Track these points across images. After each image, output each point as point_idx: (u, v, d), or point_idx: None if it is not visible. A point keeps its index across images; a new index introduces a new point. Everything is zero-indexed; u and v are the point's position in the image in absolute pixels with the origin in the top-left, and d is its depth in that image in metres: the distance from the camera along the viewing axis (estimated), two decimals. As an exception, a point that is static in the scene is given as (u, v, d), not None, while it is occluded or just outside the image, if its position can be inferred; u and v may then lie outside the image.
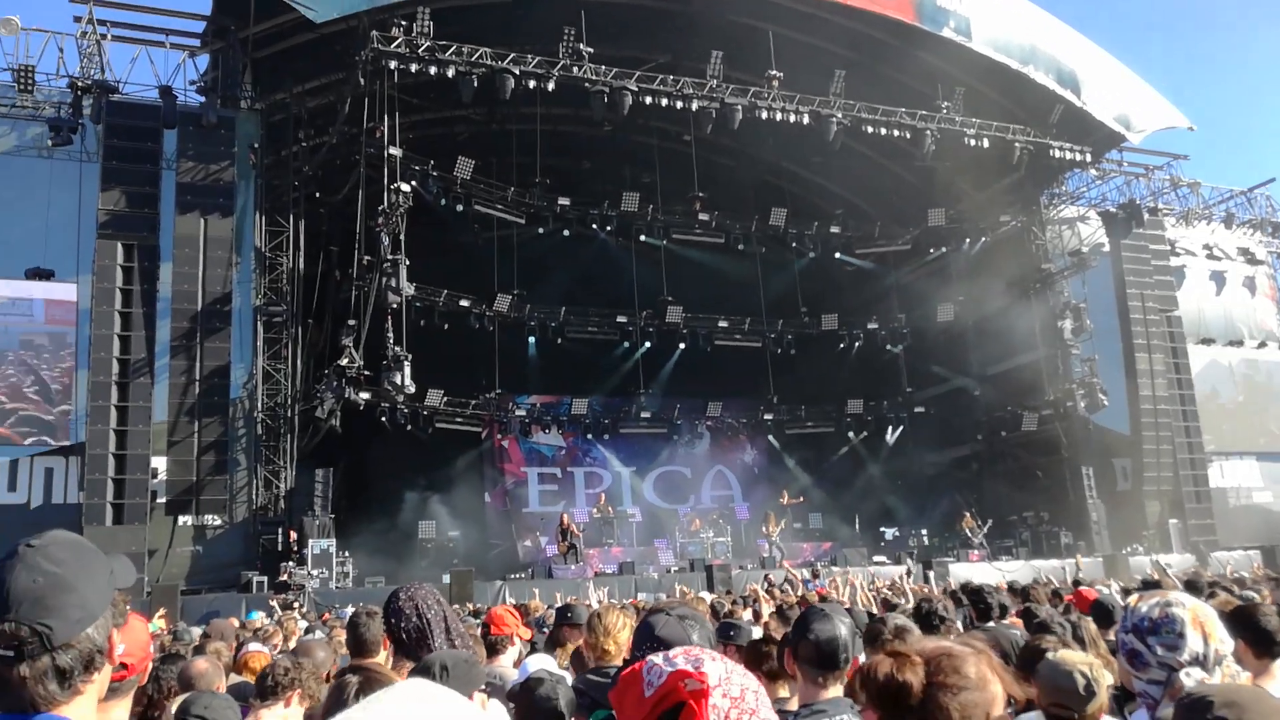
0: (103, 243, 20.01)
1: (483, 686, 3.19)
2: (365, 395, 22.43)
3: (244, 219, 22.28)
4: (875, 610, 7.77)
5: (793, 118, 23.66)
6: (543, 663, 4.45)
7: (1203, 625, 2.45)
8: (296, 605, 16.55)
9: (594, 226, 27.65)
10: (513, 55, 21.63)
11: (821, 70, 23.84)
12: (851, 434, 31.72)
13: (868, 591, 9.77)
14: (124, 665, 2.39)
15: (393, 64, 20.65)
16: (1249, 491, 29.82)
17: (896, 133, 24.73)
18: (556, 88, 22.08)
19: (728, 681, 1.43)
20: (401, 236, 21.23)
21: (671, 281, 28.50)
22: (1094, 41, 26.84)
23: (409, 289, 21.84)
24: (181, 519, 20.43)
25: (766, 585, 14.24)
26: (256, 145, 22.58)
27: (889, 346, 31.29)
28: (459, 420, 27.06)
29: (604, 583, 17.82)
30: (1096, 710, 3.03)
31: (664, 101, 22.89)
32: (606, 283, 28.49)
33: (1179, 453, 27.30)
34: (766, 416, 30.41)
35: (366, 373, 21.91)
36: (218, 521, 20.84)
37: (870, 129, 24.44)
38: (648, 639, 2.60)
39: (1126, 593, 8.07)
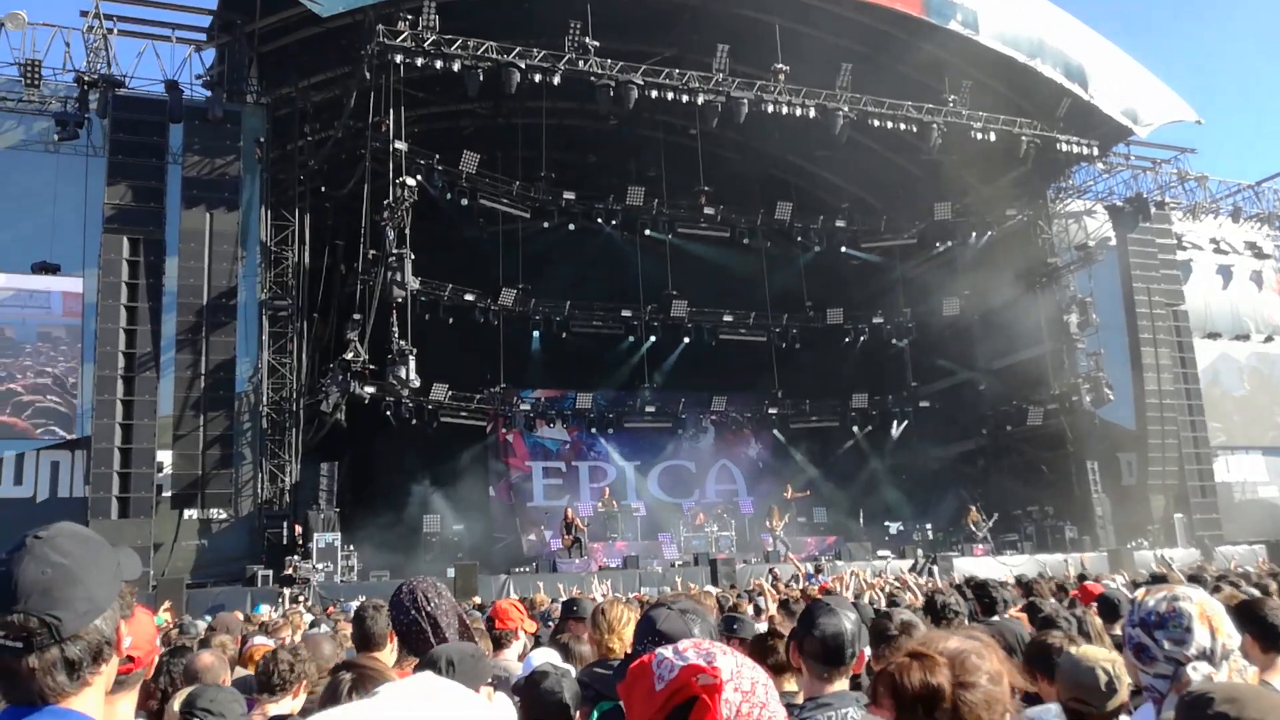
0: (109, 237, 20.08)
1: (489, 680, 3.20)
2: (370, 389, 22.46)
3: (249, 213, 22.31)
4: (882, 605, 7.76)
5: (799, 111, 23.61)
6: (547, 656, 4.45)
7: (1210, 620, 2.44)
8: (302, 599, 16.60)
9: (599, 220, 27.65)
10: (518, 49, 21.61)
11: (828, 64, 23.77)
12: (856, 428, 31.68)
13: (876, 587, 9.76)
14: (130, 658, 2.39)
15: (398, 58, 20.63)
16: (1254, 486, 29.77)
17: (903, 126, 24.66)
18: (562, 81, 22.04)
19: (739, 675, 1.43)
20: (407, 231, 21.24)
21: (676, 275, 28.48)
22: (1101, 34, 26.77)
23: (414, 283, 21.83)
24: (187, 512, 20.49)
25: (772, 579, 14.25)
26: (262, 139, 22.60)
27: (894, 341, 31.23)
28: (463, 414, 27.09)
29: (608, 577, 17.82)
30: (1117, 707, 3.03)
31: (670, 95, 22.85)
32: (611, 277, 28.49)
33: (1184, 447, 27.26)
34: (771, 411, 30.40)
35: (371, 367, 21.94)
36: (223, 515, 20.90)
37: (876, 122, 24.37)
38: (649, 633, 2.60)
39: (1134, 587, 8.07)
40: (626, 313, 29.09)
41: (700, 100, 23.02)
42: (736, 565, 20.77)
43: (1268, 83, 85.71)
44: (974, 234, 29.25)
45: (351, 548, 20.73)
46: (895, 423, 31.51)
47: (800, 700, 2.98)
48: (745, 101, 23.17)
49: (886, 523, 27.92)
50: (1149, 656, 2.46)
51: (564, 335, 28.52)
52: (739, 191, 28.87)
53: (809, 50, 23.68)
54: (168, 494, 20.17)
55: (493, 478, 28.85)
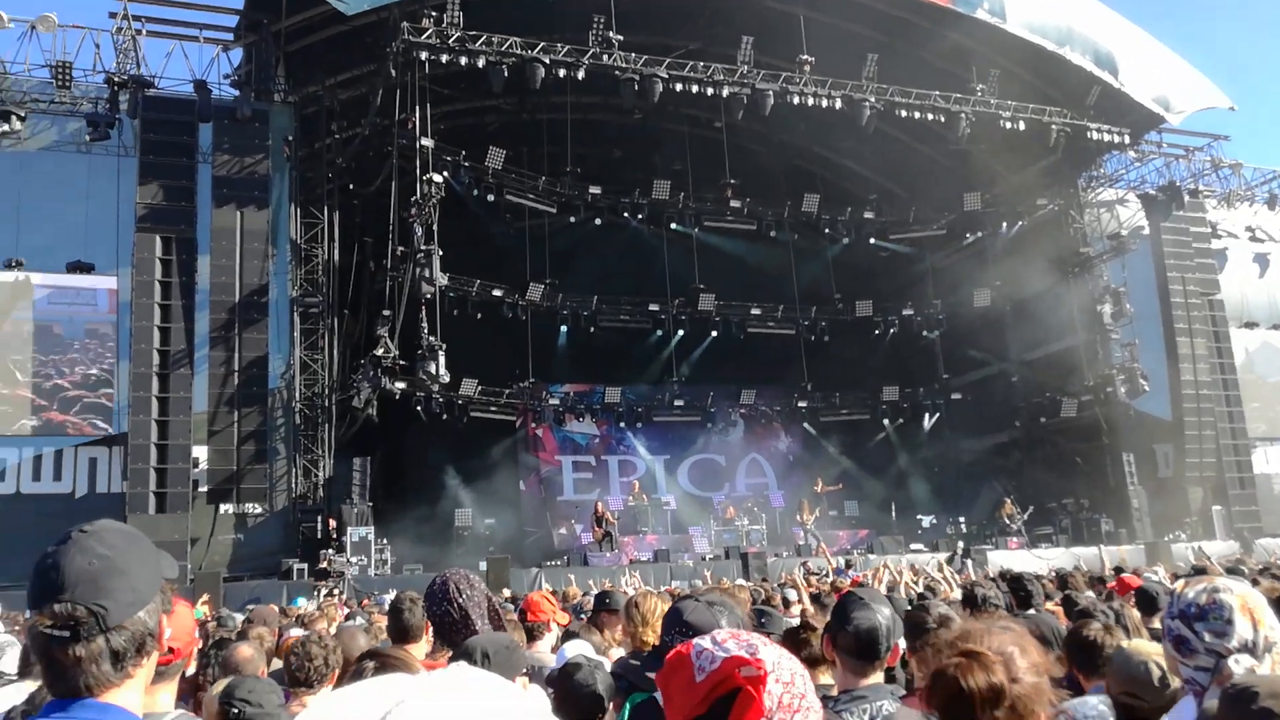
0: (141, 236, 20.33)
1: (524, 670, 3.21)
2: (401, 385, 22.61)
3: (279, 211, 22.52)
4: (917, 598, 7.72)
5: (825, 102, 23.47)
6: (580, 648, 4.47)
7: (1252, 612, 2.40)
8: (337, 592, 16.75)
9: (625, 215, 27.64)
10: (542, 44, 21.62)
11: (854, 54, 23.61)
12: (887, 421, 31.49)
13: (911, 581, 9.71)
14: (171, 650, 2.43)
15: (423, 55, 20.71)
16: (1295, 477, 29.31)
17: (930, 116, 24.45)
18: (586, 76, 22.04)
19: (779, 666, 1.44)
20: (434, 227, 21.33)
21: (703, 269, 28.42)
22: (1131, 20, 26.39)
23: (442, 279, 21.93)
24: (223, 507, 20.75)
25: (805, 573, 14.22)
26: (290, 138, 22.80)
27: (925, 332, 31.01)
28: (493, 409, 27.22)
29: (638, 570, 17.85)
30: (1169, 701, 3.00)
31: (694, 88, 22.78)
32: (638, 271, 28.47)
33: (1222, 438, 26.90)
34: (801, 404, 30.28)
35: (402, 362, 22.08)
36: (258, 510, 21.14)
37: (904, 113, 24.17)
38: (676, 624, 2.61)
39: (1174, 579, 7.98)
40: (654, 307, 29.07)
41: (725, 93, 22.93)
42: (768, 559, 20.72)
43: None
44: (1004, 224, 28.96)
45: (385, 541, 20.89)
46: (927, 415, 31.31)
47: (836, 692, 2.98)
48: (770, 93, 23.06)
49: (919, 516, 27.75)
50: (1189, 649, 2.43)
51: (591, 330, 28.53)
52: (765, 184, 28.76)
53: (834, 41, 23.52)
54: (204, 489, 20.43)
55: (523, 472, 28.95)
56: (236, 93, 22.45)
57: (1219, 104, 27.29)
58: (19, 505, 20.48)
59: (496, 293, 26.53)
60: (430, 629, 3.95)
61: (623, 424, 29.89)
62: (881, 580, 8.84)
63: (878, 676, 2.94)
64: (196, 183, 21.21)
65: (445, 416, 24.85)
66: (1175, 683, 2.99)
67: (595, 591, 8.70)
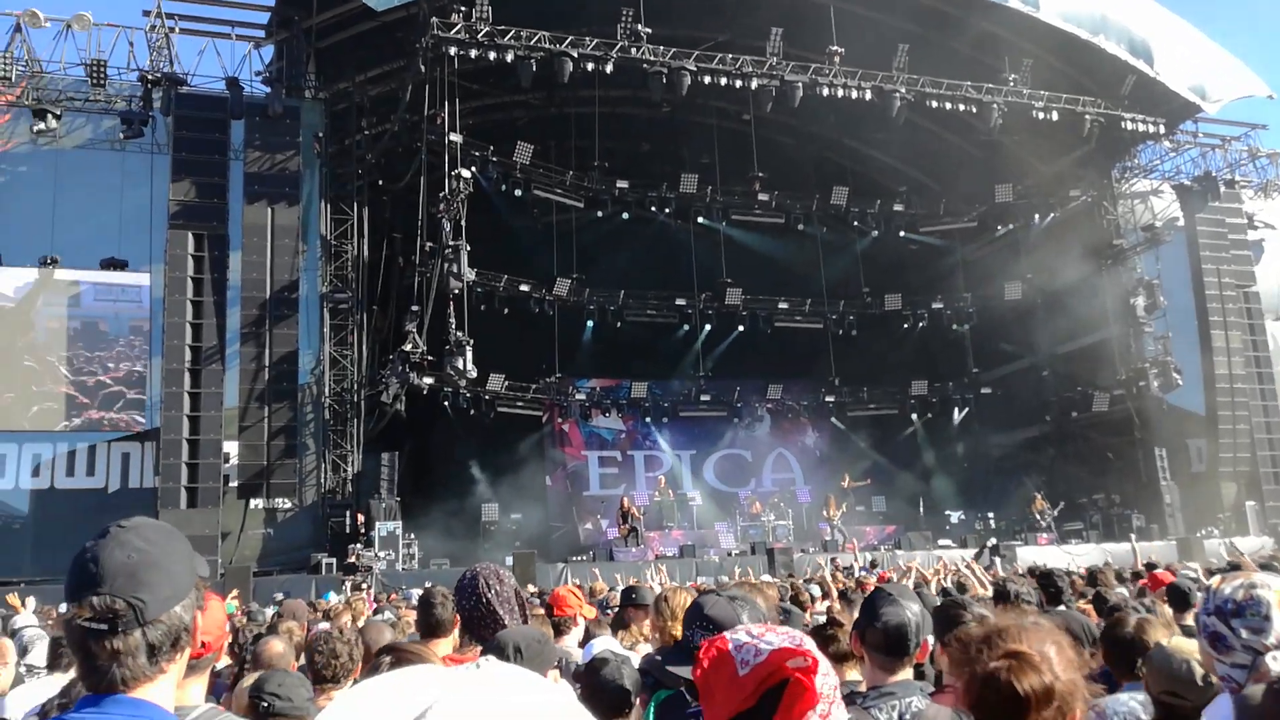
0: (174, 233, 20.55)
1: (555, 664, 3.21)
2: (429, 380, 22.74)
3: (309, 207, 22.70)
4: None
5: (855, 94, 23.30)
6: (607, 644, 4.47)
7: (1290, 608, 2.36)
8: (365, 586, 16.88)
9: (652, 209, 27.58)
10: (571, 38, 21.64)
11: (884, 44, 23.43)
12: (915, 416, 31.28)
13: (934, 580, 9.64)
14: (203, 644, 2.45)
15: (452, 50, 20.77)
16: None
17: (962, 107, 24.21)
18: (615, 69, 22.02)
19: (820, 658, 1.44)
20: (463, 222, 21.41)
21: (730, 263, 28.35)
22: (1167, 7, 26.00)
23: (470, 274, 22.01)
24: (253, 502, 20.95)
25: (833, 569, 14.15)
26: (321, 134, 22.96)
27: (954, 326, 30.72)
28: (520, 404, 27.31)
29: (664, 565, 17.85)
30: (1210, 699, 2.97)
31: (723, 81, 22.69)
32: (665, 265, 28.43)
33: (1257, 433, 26.49)
34: (828, 399, 30.13)
35: (430, 358, 22.20)
36: (288, 504, 21.33)
37: (934, 103, 23.96)
38: (697, 619, 2.60)
39: (1210, 575, 7.86)
40: (680, 301, 29.03)
41: (754, 85, 22.83)
42: (794, 554, 20.66)
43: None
44: (1036, 216, 28.63)
45: (412, 536, 21.02)
46: (956, 410, 31.05)
47: (864, 689, 2.96)
48: (800, 85, 22.93)
49: (947, 511, 27.56)
50: (1225, 646, 2.39)
51: (618, 325, 28.55)
52: (793, 177, 28.63)
53: (864, 31, 23.34)
54: (234, 484, 20.64)
55: (549, 467, 29.04)
56: (268, 90, 22.64)
57: (1257, 92, 26.83)
58: (53, 500, 20.81)
59: (524, 288, 26.61)
60: (459, 624, 3.96)
61: (649, 419, 29.90)
62: (909, 580, 8.79)
63: (907, 673, 2.92)
64: (228, 179, 21.40)
65: (472, 412, 24.97)
66: (1216, 681, 2.95)
67: (621, 587, 8.71)
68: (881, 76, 23.42)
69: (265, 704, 3.14)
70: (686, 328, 29.51)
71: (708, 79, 22.53)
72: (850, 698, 2.89)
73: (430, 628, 4.12)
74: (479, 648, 3.47)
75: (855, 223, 29.13)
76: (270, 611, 9.19)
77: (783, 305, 29.63)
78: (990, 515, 26.41)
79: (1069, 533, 24.76)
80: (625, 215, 27.42)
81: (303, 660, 4.80)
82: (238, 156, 21.71)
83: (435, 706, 1.05)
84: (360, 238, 23.81)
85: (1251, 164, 30.02)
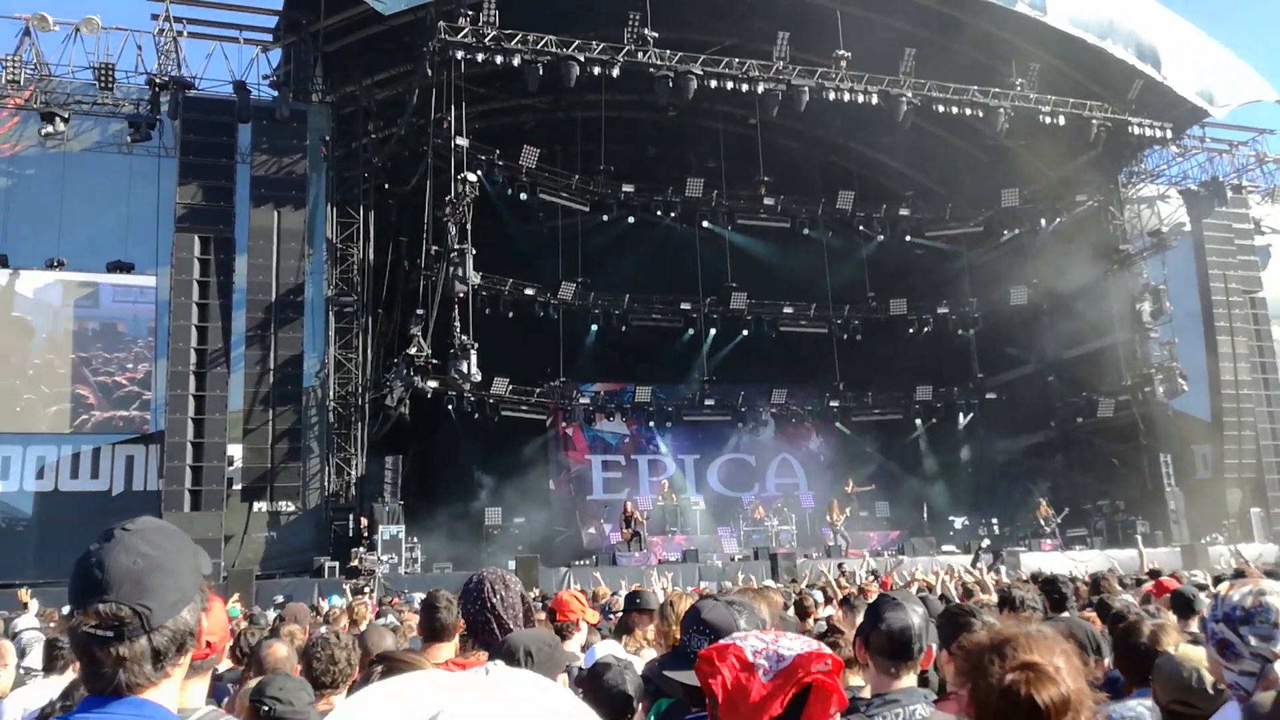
0: (180, 236, 20.58)
1: (565, 668, 3.20)
2: (433, 383, 22.75)
3: (316, 211, 22.74)
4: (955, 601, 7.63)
5: (861, 98, 23.29)
6: (610, 648, 4.45)
7: (1300, 615, 2.34)
8: (367, 590, 16.86)
9: (658, 213, 27.59)
10: (577, 42, 21.65)
11: (891, 49, 23.41)
12: (920, 421, 31.21)
13: (949, 585, 9.61)
14: (207, 644, 2.44)
15: (459, 54, 20.81)
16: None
17: (968, 111, 24.19)
18: (621, 74, 22.04)
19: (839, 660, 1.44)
20: (468, 226, 21.44)
21: (736, 267, 28.32)
22: (1175, 11, 25.97)
23: (475, 278, 22.05)
24: (256, 505, 20.97)
25: (838, 574, 14.12)
26: (327, 138, 23.01)
27: (960, 331, 30.66)
28: (524, 408, 27.30)
29: (667, 570, 17.82)
30: (1218, 707, 2.95)
31: (729, 85, 22.69)
32: (670, 269, 28.41)
33: (1262, 439, 26.45)
34: (833, 403, 30.07)
35: (434, 361, 22.21)
36: (291, 508, 21.35)
37: (941, 108, 23.93)
38: (694, 623, 2.59)
39: (1217, 581, 7.83)
40: (685, 305, 29.00)
41: (760, 89, 22.83)
42: (797, 560, 20.60)
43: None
44: (1043, 221, 28.56)
45: (415, 540, 21.01)
46: (961, 415, 30.97)
47: (867, 695, 2.94)
48: (806, 89, 22.92)
49: (951, 517, 27.50)
50: (1234, 653, 2.37)
51: (623, 329, 28.53)
52: (799, 181, 28.60)
53: (871, 35, 23.33)
54: (238, 487, 20.65)
55: (553, 471, 29.02)
56: (275, 93, 22.68)
57: (1265, 97, 26.80)
58: (57, 502, 20.85)
59: (529, 291, 26.61)
60: (462, 628, 3.95)
61: (653, 423, 29.88)
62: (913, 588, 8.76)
63: (910, 679, 2.90)
64: (235, 183, 21.43)
65: (476, 415, 24.98)
66: (1226, 690, 2.93)
67: (624, 592, 8.69)
68: (888, 81, 23.40)
69: (266, 708, 3.13)
70: (691, 332, 29.48)
71: (714, 83, 22.53)
72: (854, 705, 2.87)
73: (433, 632, 4.10)
74: (482, 653, 3.46)
75: (861, 227, 29.10)
76: (273, 615, 9.18)
77: (788, 310, 29.59)
78: (994, 521, 26.35)
79: (1073, 539, 24.70)
80: (631, 219, 27.44)
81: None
82: (244, 160, 21.75)
83: (444, 713, 1.04)
84: (366, 241, 23.84)
85: (1258, 169, 29.98)
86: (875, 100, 23.40)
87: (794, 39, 23.05)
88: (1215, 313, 26.71)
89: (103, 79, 21.72)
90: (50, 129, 21.12)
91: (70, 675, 4.72)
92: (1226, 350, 26.46)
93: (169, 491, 19.35)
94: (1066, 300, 27.46)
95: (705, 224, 28.16)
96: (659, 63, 22.07)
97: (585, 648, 4.90)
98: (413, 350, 21.72)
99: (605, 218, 27.17)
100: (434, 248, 22.35)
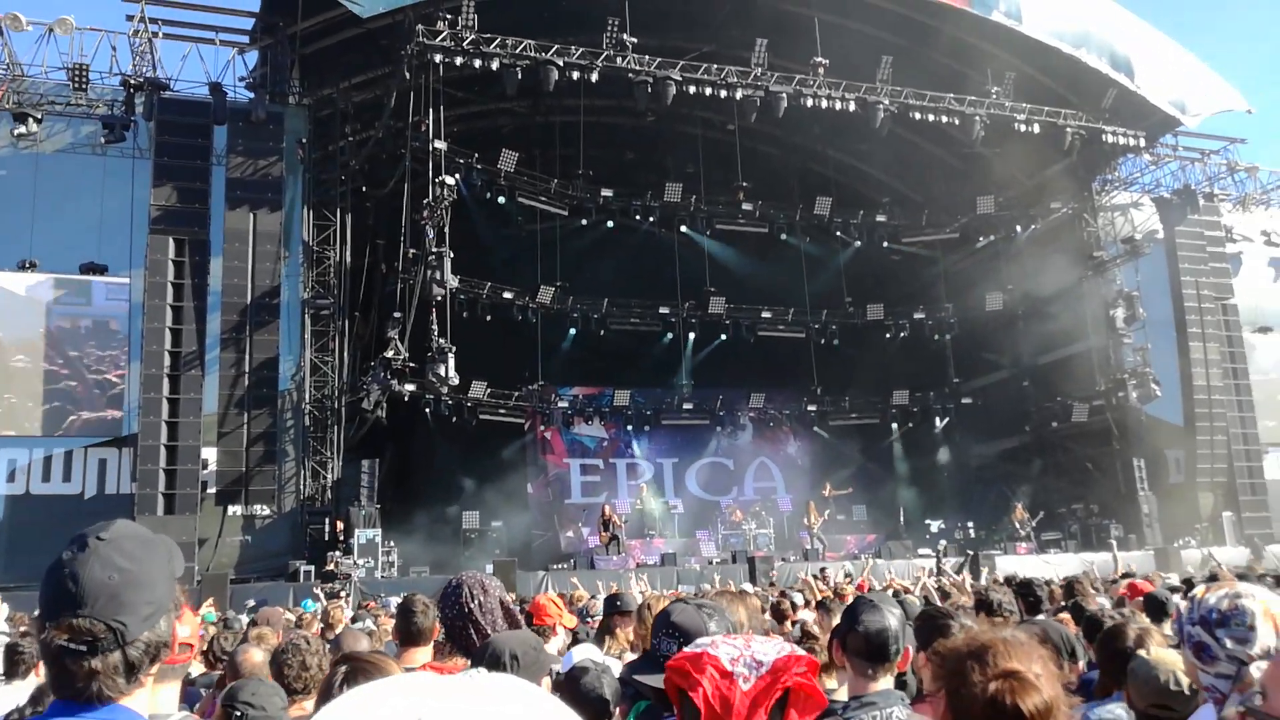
0: (154, 238, 20.38)
1: (549, 672, 3.18)
2: (410, 387, 22.63)
3: (292, 213, 22.59)
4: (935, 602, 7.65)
5: (838, 105, 23.41)
6: (588, 652, 4.43)
7: (1274, 618, 2.36)
8: (343, 594, 16.74)
9: (637, 218, 27.62)
10: (556, 47, 21.64)
11: (868, 56, 23.56)
12: (896, 425, 31.38)
13: (930, 587, 9.65)
14: (189, 645, 2.41)
15: (438, 57, 20.73)
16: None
17: (945, 119, 24.37)
18: (600, 79, 22.04)
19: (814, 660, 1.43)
20: (446, 229, 21.36)
21: (714, 272, 28.38)
22: (1149, 21, 26.31)
23: (453, 281, 21.95)
24: (231, 509, 20.78)
25: (818, 576, 14.15)
26: (304, 140, 22.88)
27: (936, 336, 30.86)
28: (502, 412, 27.21)
29: (645, 574, 17.80)
30: (1194, 709, 2.98)
31: (708, 91, 22.75)
32: (649, 274, 28.44)
33: (1234, 444, 26.71)
34: (810, 408, 30.18)
35: (411, 365, 22.10)
36: (266, 511, 21.17)
37: (918, 115, 24.10)
38: (664, 626, 2.58)
39: (1188, 583, 7.90)
40: (664, 309, 29.04)
41: (739, 95, 22.90)
42: (775, 563, 20.64)
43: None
44: (1018, 227, 28.84)
45: (392, 544, 20.86)
46: (937, 419, 31.17)
47: (843, 697, 2.93)
48: (784, 96, 23.01)
49: (927, 521, 27.61)
50: (1210, 655, 2.38)
51: (602, 332, 28.51)
52: (777, 187, 28.72)
53: (849, 43, 23.48)
54: (212, 490, 20.46)
55: (531, 474, 28.94)
56: (251, 95, 22.52)
57: (1236, 107, 27.15)
58: (28, 506, 20.58)
59: (507, 295, 26.54)
60: (438, 632, 3.91)
61: (631, 427, 29.87)
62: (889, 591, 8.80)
63: (887, 681, 2.90)
64: (210, 185, 21.25)
65: (454, 419, 24.88)
66: (1200, 692, 2.95)
67: (603, 595, 8.68)
68: (865, 88, 23.54)
69: (239, 713, 3.09)
70: (670, 336, 29.51)
71: (692, 89, 22.58)
72: (830, 708, 2.87)
73: (409, 636, 4.06)
74: (461, 659, 3.43)
75: (838, 233, 29.26)
76: (246, 619, 9.10)
77: (766, 314, 29.67)
78: (970, 525, 26.49)
79: (1048, 542, 24.88)
80: (609, 224, 27.44)
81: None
82: (220, 162, 21.58)
83: (424, 718, 1.01)
84: (343, 244, 23.71)
85: (1230, 177, 30.35)
86: (852, 107, 23.53)
87: (772, 46, 23.15)
88: (1188, 319, 26.99)
89: (77, 80, 21.49)
90: (23, 129, 20.87)
91: (33, 680, 4.66)
92: (1199, 356, 26.74)
93: (142, 495, 19.15)
94: (1041, 306, 27.72)
95: (684, 229, 28.19)
96: (638, 68, 22.09)
97: (563, 651, 4.88)
98: (390, 353, 21.60)
99: (584, 222, 27.16)
100: (412, 251, 22.25)
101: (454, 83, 22.70)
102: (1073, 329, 27.28)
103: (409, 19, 20.98)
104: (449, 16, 21.05)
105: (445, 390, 22.97)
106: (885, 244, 29.92)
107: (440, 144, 21.73)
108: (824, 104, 23.32)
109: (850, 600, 4.12)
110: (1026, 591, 6.60)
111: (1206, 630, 2.39)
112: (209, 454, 20.40)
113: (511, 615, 3.66)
